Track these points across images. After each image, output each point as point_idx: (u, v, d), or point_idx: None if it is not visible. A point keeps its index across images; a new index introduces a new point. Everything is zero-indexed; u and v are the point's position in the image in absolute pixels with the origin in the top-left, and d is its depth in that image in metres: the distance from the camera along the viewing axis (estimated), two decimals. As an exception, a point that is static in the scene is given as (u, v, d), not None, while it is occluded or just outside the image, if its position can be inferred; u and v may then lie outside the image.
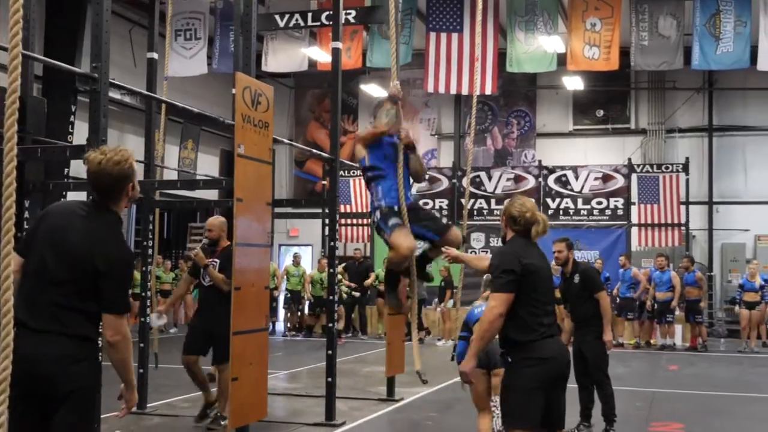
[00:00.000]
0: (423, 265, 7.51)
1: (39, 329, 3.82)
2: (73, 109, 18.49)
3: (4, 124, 3.50)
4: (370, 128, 7.34)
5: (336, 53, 9.90)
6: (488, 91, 17.80)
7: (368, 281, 20.52)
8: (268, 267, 8.11)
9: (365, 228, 22.80)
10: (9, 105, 3.20)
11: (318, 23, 11.79)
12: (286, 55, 18.32)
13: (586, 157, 23.62)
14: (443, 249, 6.62)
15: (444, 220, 7.60)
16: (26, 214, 8.23)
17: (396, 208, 6.98)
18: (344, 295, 19.90)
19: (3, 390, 3.24)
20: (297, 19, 11.70)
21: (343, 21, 11.08)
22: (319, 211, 20.05)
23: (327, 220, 9.94)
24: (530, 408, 4.98)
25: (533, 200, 5.50)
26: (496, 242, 21.77)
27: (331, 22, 11.03)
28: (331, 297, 9.62)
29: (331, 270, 9.77)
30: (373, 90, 23.65)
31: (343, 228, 23.40)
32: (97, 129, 5.59)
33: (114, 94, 19.62)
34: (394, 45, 8.64)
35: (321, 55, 18.68)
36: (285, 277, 20.72)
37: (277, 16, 11.92)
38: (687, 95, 23.44)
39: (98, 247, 3.90)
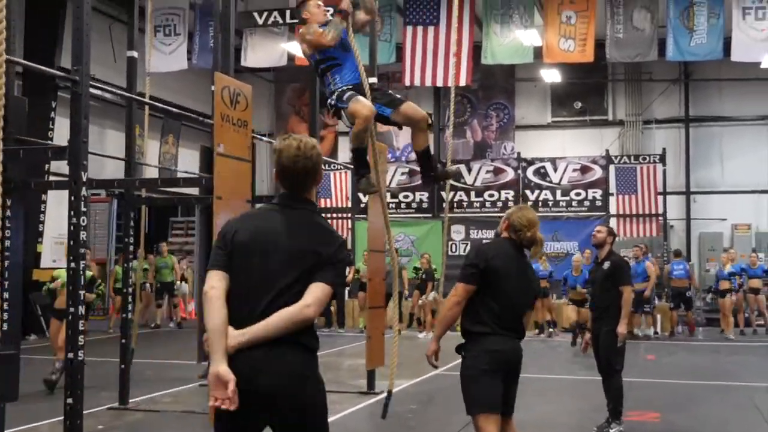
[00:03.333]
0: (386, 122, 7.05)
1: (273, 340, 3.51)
2: (53, 106, 18.53)
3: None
4: (316, 34, 6.44)
5: (314, 50, 9.96)
6: (463, 83, 17.94)
7: (348, 277, 20.53)
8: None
9: (345, 221, 22.90)
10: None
11: (296, 20, 11.86)
12: (265, 51, 18.39)
13: (565, 148, 23.83)
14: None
15: (398, 95, 7.03)
16: (8, 213, 8.30)
17: (352, 86, 6.59)
18: None
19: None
20: (275, 17, 11.77)
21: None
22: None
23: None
24: (486, 391, 5.24)
25: (535, 215, 5.75)
26: (476, 234, 21.96)
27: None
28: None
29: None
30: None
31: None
32: (78, 130, 5.68)
33: (95, 91, 19.63)
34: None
35: (298, 50, 18.73)
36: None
37: (255, 14, 11.97)
38: (663, 87, 23.68)
39: (316, 238, 3.63)
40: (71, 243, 5.69)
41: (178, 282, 21.65)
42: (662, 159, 21.33)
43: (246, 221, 3.70)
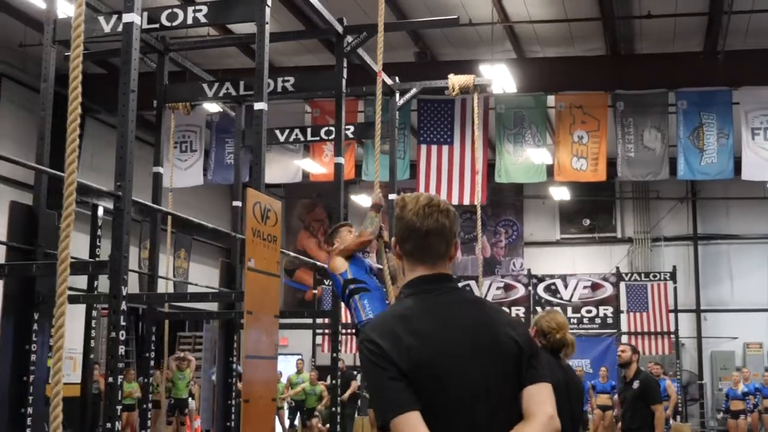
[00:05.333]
0: None
1: None
2: (68, 221, 18.67)
3: (58, 256, 3.67)
4: (355, 237, 6.92)
5: (338, 168, 10.18)
6: (478, 202, 18.11)
7: (348, 392, 20.12)
8: (276, 379, 8.17)
9: (351, 337, 22.78)
10: (64, 228, 3.37)
11: (317, 138, 12.13)
12: (281, 167, 18.64)
13: (574, 265, 23.88)
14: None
15: None
16: (35, 327, 8.30)
17: None
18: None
19: None
20: (297, 134, 12.06)
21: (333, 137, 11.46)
22: (309, 321, 20.11)
23: (325, 331, 10.01)
24: None
25: (564, 317, 5.61)
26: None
27: (328, 137, 11.41)
28: (334, 408, 9.63)
29: (334, 381, 9.80)
30: (362, 200, 23.97)
31: (327, 338, 23.39)
32: (120, 246, 5.74)
33: (110, 206, 19.84)
34: (377, 154, 8.91)
35: (313, 167, 19.04)
36: (289, 386, 20.44)
37: (277, 131, 12.27)
38: (671, 204, 23.92)
39: (503, 324, 2.74)
40: (110, 357, 5.69)
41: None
42: (673, 276, 21.36)
43: (408, 328, 2.61)
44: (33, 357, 8.23)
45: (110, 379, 5.62)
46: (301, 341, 24.00)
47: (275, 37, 11.40)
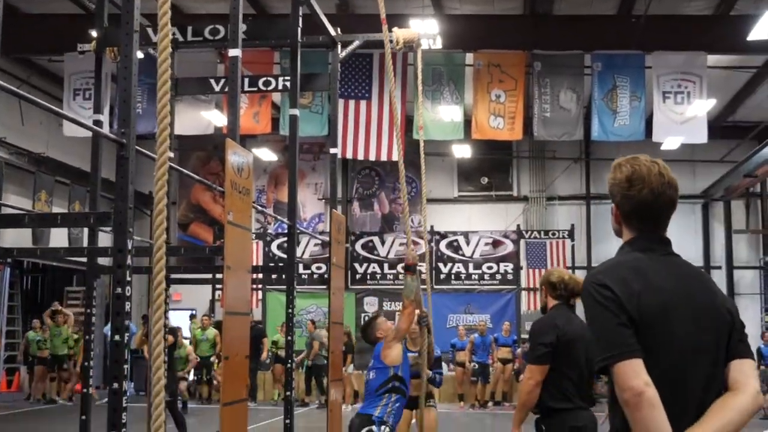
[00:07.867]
0: None
1: None
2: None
3: (155, 208, 3.41)
4: (404, 322, 6.99)
5: (293, 120, 9.94)
6: (395, 158, 18.09)
7: (264, 354, 20.11)
8: (248, 335, 7.96)
9: (256, 292, 22.51)
10: (159, 177, 3.14)
11: (255, 89, 11.74)
12: (191, 118, 18.04)
13: (470, 222, 24.22)
14: None
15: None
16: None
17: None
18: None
19: None
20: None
21: (281, 87, 11.15)
22: (207, 276, 19.84)
23: (286, 287, 9.81)
24: None
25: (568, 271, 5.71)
26: (389, 306, 21.95)
27: (266, 88, 11.12)
28: (289, 364, 9.47)
29: (289, 338, 9.60)
30: (263, 154, 23.55)
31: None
32: (125, 196, 5.39)
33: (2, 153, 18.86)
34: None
35: (222, 120, 18.55)
36: (195, 344, 19.93)
37: (212, 80, 11.83)
38: (566, 164, 24.48)
39: (719, 294, 2.84)
40: (116, 314, 5.38)
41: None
42: (571, 234, 21.97)
43: (637, 277, 2.70)
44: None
45: (117, 337, 5.31)
46: (196, 295, 23.58)
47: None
